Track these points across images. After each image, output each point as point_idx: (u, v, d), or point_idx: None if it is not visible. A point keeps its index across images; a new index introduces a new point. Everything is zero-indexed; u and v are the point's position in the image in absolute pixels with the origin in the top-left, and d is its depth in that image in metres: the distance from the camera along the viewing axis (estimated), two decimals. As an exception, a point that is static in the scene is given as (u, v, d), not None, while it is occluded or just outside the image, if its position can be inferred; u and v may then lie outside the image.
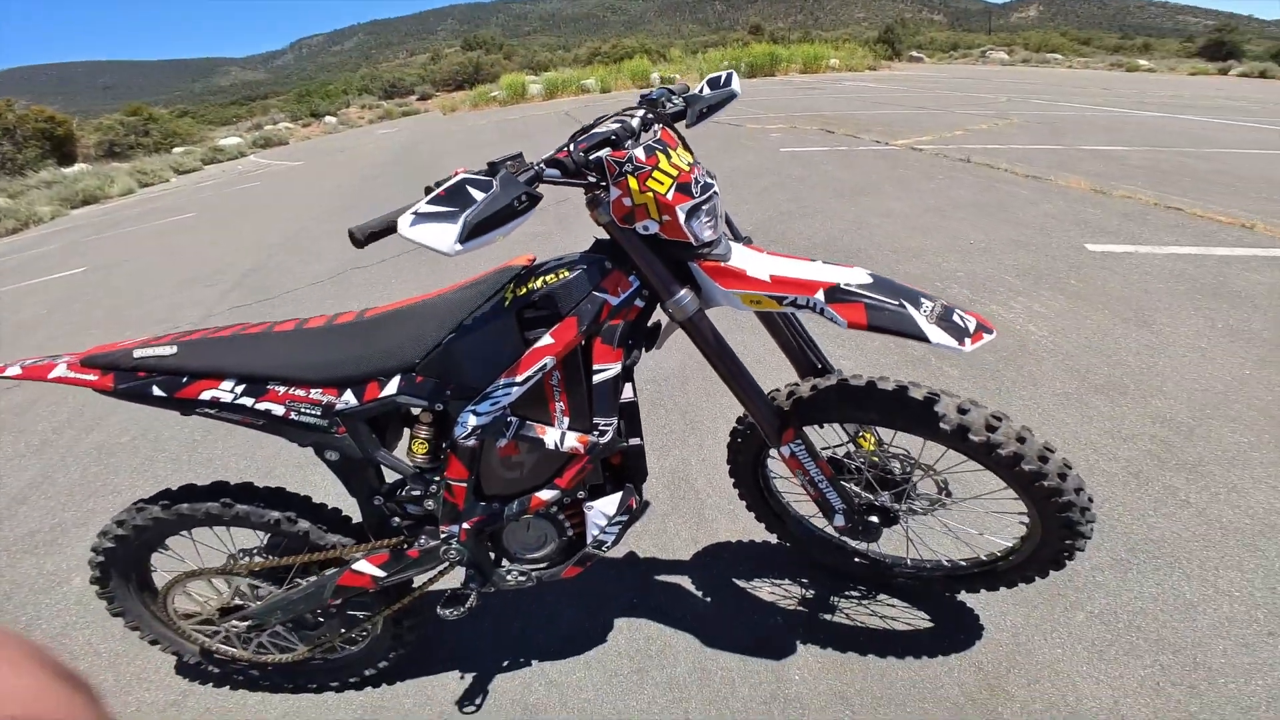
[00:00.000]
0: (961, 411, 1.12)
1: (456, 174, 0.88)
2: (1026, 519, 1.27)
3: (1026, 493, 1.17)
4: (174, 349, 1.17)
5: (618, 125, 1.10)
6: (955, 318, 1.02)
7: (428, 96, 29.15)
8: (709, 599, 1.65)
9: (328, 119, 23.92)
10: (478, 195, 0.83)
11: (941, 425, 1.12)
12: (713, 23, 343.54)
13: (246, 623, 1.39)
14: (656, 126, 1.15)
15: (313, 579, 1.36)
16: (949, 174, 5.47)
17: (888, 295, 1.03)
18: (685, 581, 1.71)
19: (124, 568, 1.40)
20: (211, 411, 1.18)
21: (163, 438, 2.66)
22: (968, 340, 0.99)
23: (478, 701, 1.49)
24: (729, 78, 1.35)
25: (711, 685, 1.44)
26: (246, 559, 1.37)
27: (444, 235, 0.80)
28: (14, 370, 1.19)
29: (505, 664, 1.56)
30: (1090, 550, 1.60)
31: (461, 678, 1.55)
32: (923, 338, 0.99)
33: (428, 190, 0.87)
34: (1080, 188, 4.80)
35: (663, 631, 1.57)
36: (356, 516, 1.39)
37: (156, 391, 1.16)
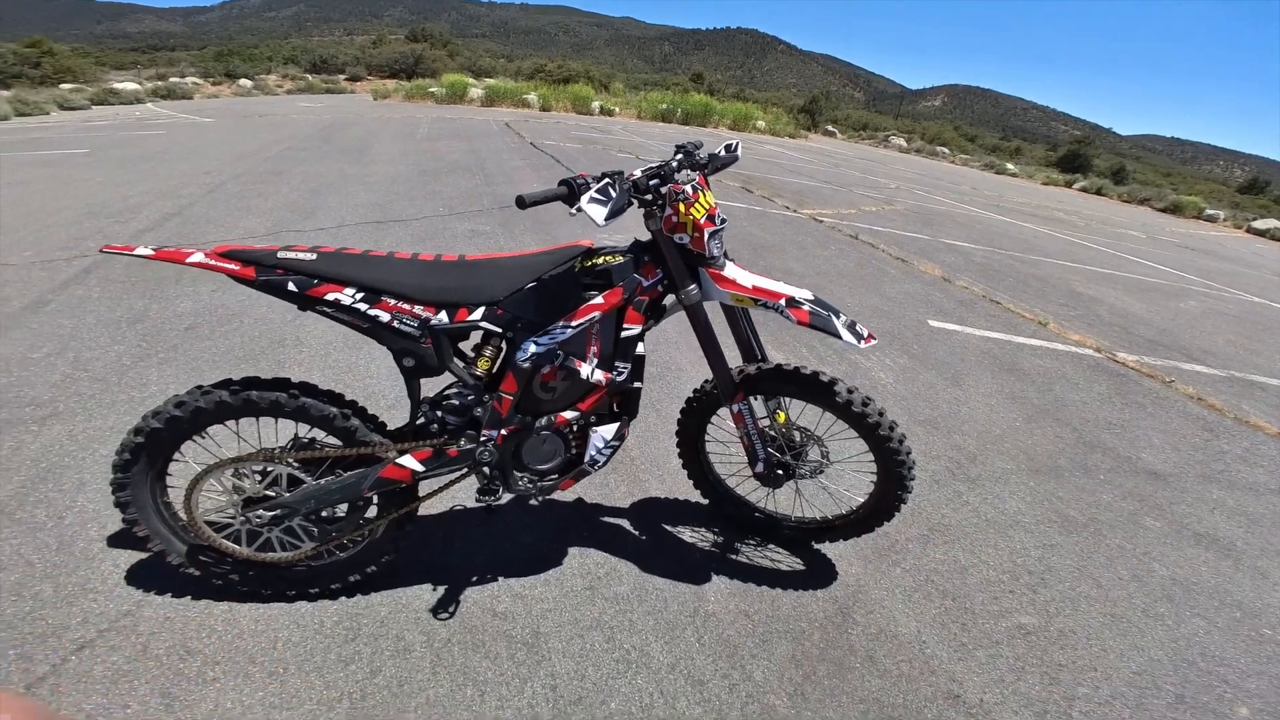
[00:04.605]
0: (850, 391, 1.67)
1: (583, 176, 1.35)
2: (875, 477, 1.79)
3: (878, 449, 1.70)
4: (314, 256, 1.37)
5: (664, 165, 1.55)
6: (858, 328, 1.55)
7: (358, 78, 28.10)
8: (644, 537, 2.06)
9: (243, 82, 22.24)
10: (613, 194, 1.32)
11: (837, 399, 1.66)
12: (658, 62, 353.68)
13: (273, 513, 1.48)
14: (695, 172, 1.61)
15: (355, 471, 1.49)
16: (840, 246, 6.39)
17: (822, 308, 1.54)
18: (625, 524, 2.11)
19: (155, 454, 1.43)
20: (329, 310, 1.39)
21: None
22: (863, 341, 1.53)
23: (450, 609, 1.67)
24: (737, 146, 1.79)
25: (648, 601, 1.80)
26: (293, 449, 1.47)
27: (599, 213, 1.28)
28: (145, 251, 1.31)
29: (474, 579, 1.78)
30: (903, 527, 2.23)
31: (434, 590, 1.73)
32: (838, 335, 1.51)
33: (563, 182, 1.32)
34: (933, 274, 5.83)
35: (608, 559, 1.93)
36: (393, 425, 1.62)
37: (291, 287, 1.35)
